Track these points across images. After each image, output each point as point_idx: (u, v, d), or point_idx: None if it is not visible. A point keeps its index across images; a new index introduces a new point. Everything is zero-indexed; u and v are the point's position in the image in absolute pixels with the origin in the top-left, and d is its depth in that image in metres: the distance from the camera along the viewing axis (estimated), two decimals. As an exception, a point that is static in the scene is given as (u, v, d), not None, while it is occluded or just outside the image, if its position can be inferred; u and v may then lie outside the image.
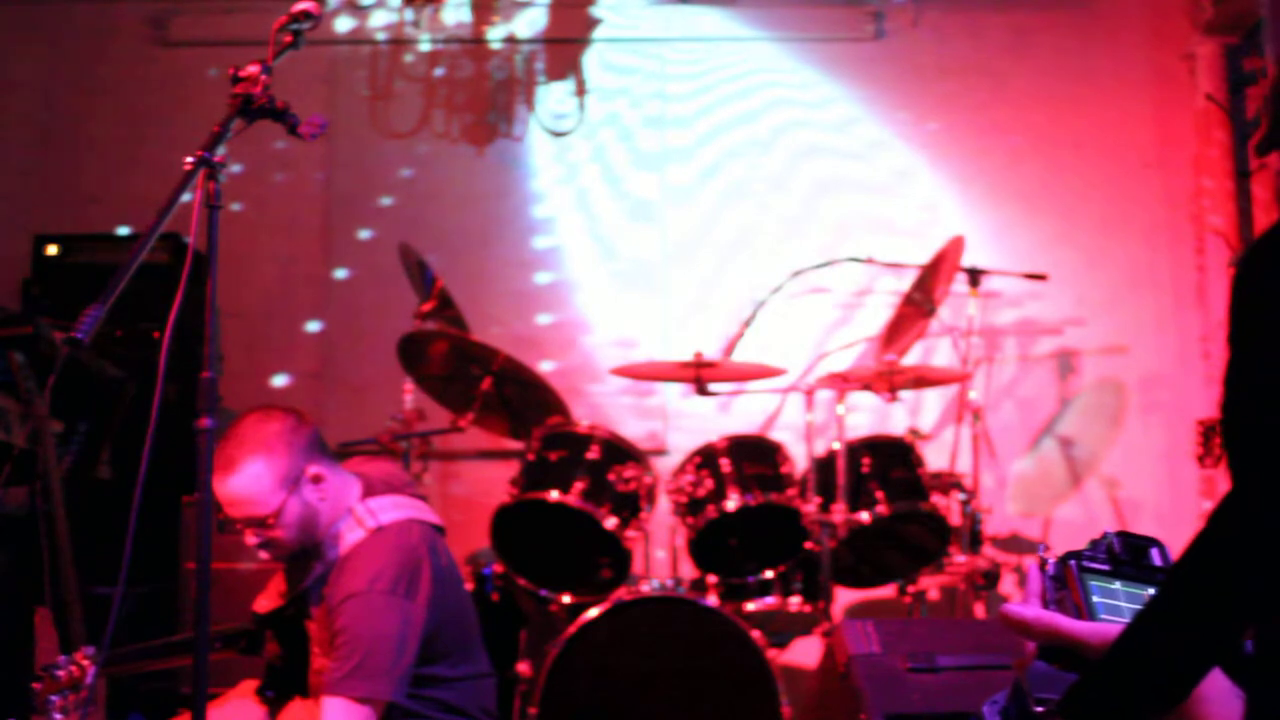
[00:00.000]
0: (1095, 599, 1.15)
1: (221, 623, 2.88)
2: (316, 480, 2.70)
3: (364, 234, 5.20)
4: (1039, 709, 1.14)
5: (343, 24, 5.30)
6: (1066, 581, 1.17)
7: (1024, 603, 1.21)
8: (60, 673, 2.39)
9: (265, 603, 2.82)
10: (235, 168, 5.06)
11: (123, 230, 5.03)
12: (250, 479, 2.63)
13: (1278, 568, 0.97)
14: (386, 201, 5.24)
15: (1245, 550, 0.99)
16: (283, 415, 2.73)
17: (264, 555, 2.73)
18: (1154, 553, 1.18)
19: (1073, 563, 1.18)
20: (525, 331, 5.09)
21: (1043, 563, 1.22)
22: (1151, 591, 1.14)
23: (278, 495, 2.64)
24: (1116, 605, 1.14)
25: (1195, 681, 1.04)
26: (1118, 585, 1.16)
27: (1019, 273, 4.79)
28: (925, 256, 4.36)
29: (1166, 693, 1.04)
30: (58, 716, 2.38)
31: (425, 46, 5.33)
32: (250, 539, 2.70)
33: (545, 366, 4.89)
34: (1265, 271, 1.02)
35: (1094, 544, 1.20)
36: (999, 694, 1.25)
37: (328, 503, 2.73)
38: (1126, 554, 1.17)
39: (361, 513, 2.74)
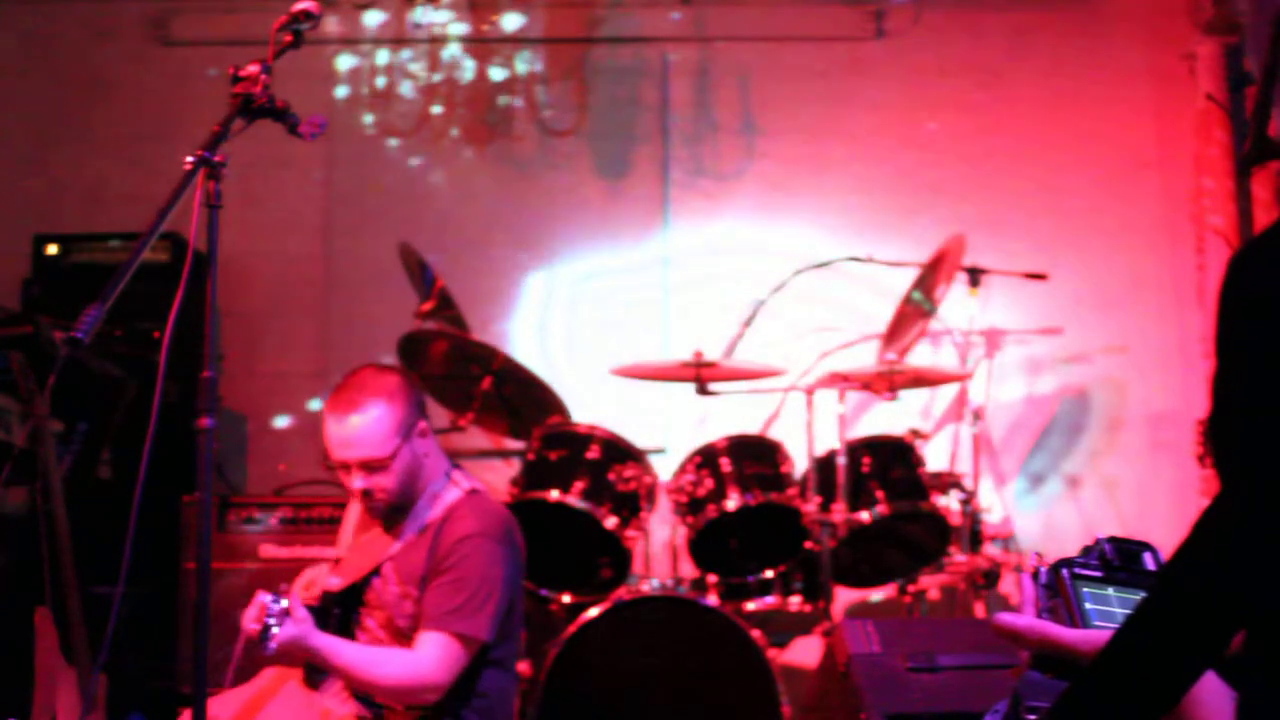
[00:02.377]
0: (1088, 606, 1.14)
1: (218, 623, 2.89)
2: (424, 435, 2.85)
3: (364, 234, 5.20)
4: (1030, 717, 1.14)
5: (343, 23, 5.29)
6: (1059, 589, 1.17)
7: (1017, 611, 1.20)
8: (276, 607, 2.55)
9: (337, 581, 2.89)
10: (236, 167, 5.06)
11: (123, 230, 5.03)
12: (373, 420, 2.76)
13: (1265, 572, 0.97)
14: (386, 201, 5.23)
15: (1232, 555, 0.98)
16: (399, 371, 2.94)
17: (368, 505, 2.84)
18: (1146, 557, 1.18)
19: (1065, 570, 1.17)
20: (525, 331, 5.09)
21: (1035, 571, 1.21)
22: (1141, 595, 1.14)
23: (394, 440, 2.77)
24: (1110, 611, 1.13)
25: (1186, 687, 1.03)
26: (1110, 591, 1.15)
27: (1019, 272, 4.79)
28: (925, 256, 4.36)
29: (1156, 699, 1.03)
30: (273, 646, 2.55)
31: (425, 46, 5.33)
32: (358, 482, 2.79)
33: (545, 365, 4.88)
34: (1251, 280, 1.01)
35: (1086, 550, 1.20)
36: (1000, 703, 1.24)
37: (430, 459, 2.87)
38: (1119, 559, 1.16)
39: (458, 476, 2.90)
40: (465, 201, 5.23)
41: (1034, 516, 5.00)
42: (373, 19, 5.31)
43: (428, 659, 2.70)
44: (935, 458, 4.47)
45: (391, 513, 2.86)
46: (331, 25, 5.24)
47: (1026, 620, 1.16)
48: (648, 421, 4.90)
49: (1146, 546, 1.18)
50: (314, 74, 5.21)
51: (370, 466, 2.77)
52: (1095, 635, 1.10)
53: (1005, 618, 1.16)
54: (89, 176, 5.21)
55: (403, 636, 2.79)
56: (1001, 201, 5.14)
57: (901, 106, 5.24)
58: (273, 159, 5.15)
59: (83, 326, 2.01)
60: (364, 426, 2.76)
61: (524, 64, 5.32)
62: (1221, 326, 1.02)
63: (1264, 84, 1.10)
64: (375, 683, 2.70)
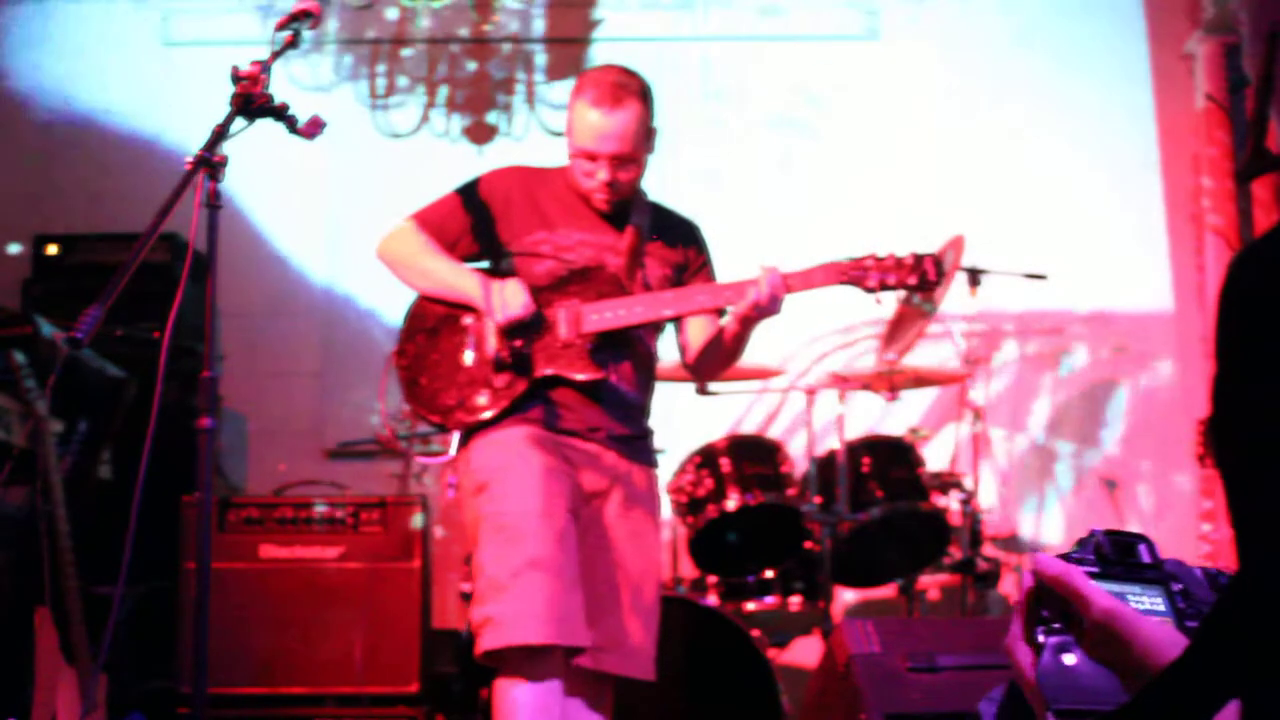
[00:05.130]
0: None
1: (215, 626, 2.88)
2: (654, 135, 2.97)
3: (364, 233, 5.19)
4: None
5: (344, 23, 5.29)
6: (1047, 603, 1.16)
7: (1016, 605, 1.20)
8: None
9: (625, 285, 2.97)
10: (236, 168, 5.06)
11: (123, 230, 5.03)
12: (633, 118, 2.86)
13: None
14: (386, 201, 5.23)
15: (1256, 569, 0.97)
16: (641, 75, 2.99)
17: (603, 196, 2.93)
18: (1142, 549, 1.17)
19: None
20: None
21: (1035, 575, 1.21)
22: (1137, 590, 1.14)
23: (645, 140, 2.91)
24: None
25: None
26: (1107, 586, 1.15)
27: (1019, 272, 4.79)
28: (925, 256, 4.35)
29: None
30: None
31: (425, 46, 5.33)
32: (603, 174, 2.88)
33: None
34: (1252, 281, 1.01)
35: (1081, 543, 1.20)
36: (995, 690, 1.24)
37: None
38: (1115, 553, 1.16)
39: None
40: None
41: (1033, 516, 5.00)
42: (374, 17, 5.31)
43: None
44: (935, 458, 4.47)
45: (620, 204, 2.97)
46: (334, 24, 5.24)
47: (1064, 565, 1.13)
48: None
49: (1141, 539, 1.18)
50: (316, 73, 5.21)
51: (621, 161, 2.88)
52: (1119, 608, 1.07)
53: (1043, 560, 1.14)
54: (89, 176, 5.21)
55: None
56: (1001, 201, 5.14)
57: (901, 106, 5.24)
58: (273, 159, 5.15)
59: (83, 326, 2.01)
60: (626, 122, 2.85)
61: (524, 63, 5.32)
62: (1221, 329, 1.02)
63: (1259, 97, 1.10)
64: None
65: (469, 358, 2.90)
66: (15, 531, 3.57)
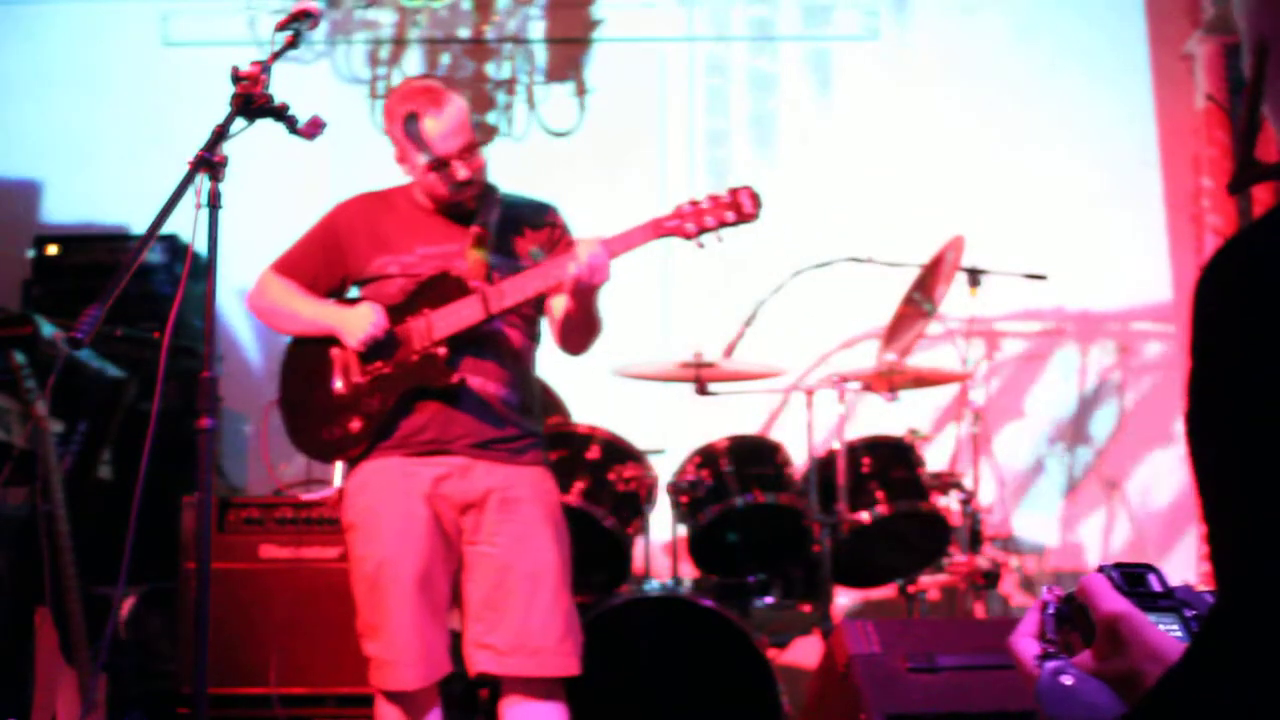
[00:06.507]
0: None
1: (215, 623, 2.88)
2: None
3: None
4: None
5: (344, 23, 5.29)
6: (1076, 621, 1.17)
7: (1016, 635, 1.20)
8: None
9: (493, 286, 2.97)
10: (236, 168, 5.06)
11: (123, 230, 5.03)
12: (463, 108, 2.92)
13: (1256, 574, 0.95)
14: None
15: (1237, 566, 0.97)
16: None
17: (470, 194, 2.96)
18: (1151, 579, 1.18)
19: (1078, 602, 1.17)
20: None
21: (1045, 605, 1.21)
22: (1152, 619, 1.14)
23: (474, 125, 2.97)
24: None
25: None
26: None
27: (1019, 273, 4.78)
28: (925, 256, 4.36)
29: None
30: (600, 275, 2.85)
31: (425, 46, 5.33)
32: (463, 172, 2.91)
33: (545, 365, 4.87)
34: (1224, 281, 1.01)
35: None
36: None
37: None
38: (1126, 584, 1.17)
39: None
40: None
41: (1033, 517, 5.00)
42: (374, 17, 5.31)
43: None
44: (935, 458, 4.46)
45: (475, 200, 2.99)
46: (333, 24, 5.24)
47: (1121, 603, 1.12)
48: (648, 421, 4.90)
49: (1150, 568, 1.19)
50: (315, 73, 5.21)
51: (470, 150, 2.91)
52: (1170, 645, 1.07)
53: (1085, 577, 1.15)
54: (89, 176, 5.21)
55: None
56: (1001, 201, 5.14)
57: (901, 106, 5.24)
58: (273, 159, 5.15)
59: (83, 326, 2.01)
60: (459, 114, 2.90)
61: (524, 64, 5.32)
62: (1196, 328, 1.02)
63: (1249, 111, 1.10)
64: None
65: (338, 388, 2.98)
66: (15, 531, 3.58)
